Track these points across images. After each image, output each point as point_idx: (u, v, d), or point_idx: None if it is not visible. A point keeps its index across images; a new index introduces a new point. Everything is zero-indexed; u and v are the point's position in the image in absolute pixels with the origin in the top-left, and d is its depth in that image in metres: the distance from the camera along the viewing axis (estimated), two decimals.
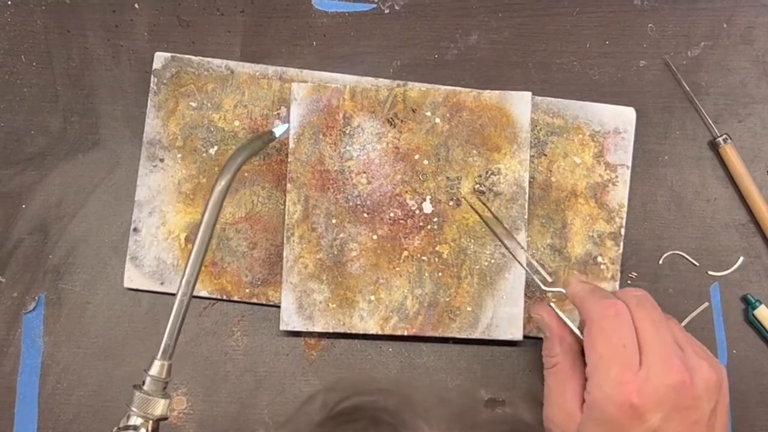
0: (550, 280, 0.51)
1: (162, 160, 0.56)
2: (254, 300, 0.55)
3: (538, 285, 0.51)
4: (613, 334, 0.45)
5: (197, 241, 0.45)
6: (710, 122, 0.56)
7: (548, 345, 0.50)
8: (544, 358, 0.50)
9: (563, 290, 0.50)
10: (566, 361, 0.48)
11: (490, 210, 0.54)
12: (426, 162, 0.55)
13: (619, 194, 0.55)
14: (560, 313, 0.50)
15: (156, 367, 0.44)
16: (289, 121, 0.55)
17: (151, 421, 0.43)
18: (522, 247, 0.53)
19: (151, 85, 0.56)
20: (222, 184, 0.45)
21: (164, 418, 0.43)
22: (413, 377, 0.55)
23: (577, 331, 0.49)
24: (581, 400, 0.46)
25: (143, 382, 0.43)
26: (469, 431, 0.32)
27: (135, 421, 0.42)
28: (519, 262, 0.52)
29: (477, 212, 0.53)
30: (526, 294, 0.54)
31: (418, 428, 0.32)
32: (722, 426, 0.46)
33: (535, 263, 0.52)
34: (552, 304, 0.50)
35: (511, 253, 0.53)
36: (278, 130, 0.52)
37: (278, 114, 0.56)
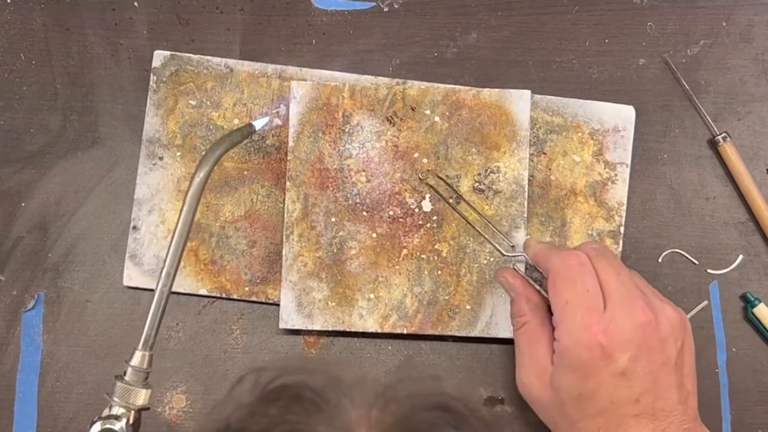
0: (512, 244, 0.53)
1: (161, 159, 0.56)
2: (253, 298, 0.55)
3: (501, 254, 0.53)
4: (577, 281, 0.46)
5: (176, 233, 0.45)
6: (709, 120, 0.56)
7: (516, 306, 0.51)
8: (513, 319, 0.52)
9: (524, 254, 0.52)
10: (535, 319, 0.50)
11: (449, 185, 0.54)
12: (425, 160, 0.55)
13: (619, 192, 0.55)
14: (523, 274, 0.52)
15: (137, 358, 0.44)
16: (288, 119, 0.55)
17: (132, 411, 0.43)
18: (486, 219, 0.53)
19: (151, 83, 0.56)
20: (201, 175, 0.46)
21: (146, 408, 0.44)
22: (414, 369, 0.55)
23: (542, 290, 0.50)
24: (552, 355, 0.47)
25: (124, 373, 0.44)
26: (391, 405, 0.32)
27: (117, 410, 0.43)
28: (481, 233, 0.53)
29: (439, 194, 0.54)
30: None
31: (341, 405, 0.32)
32: (690, 369, 0.47)
33: (498, 232, 0.53)
34: (516, 267, 0.52)
35: (469, 222, 0.53)
36: (258, 123, 0.52)
37: (277, 112, 0.56)
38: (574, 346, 0.45)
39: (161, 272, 0.44)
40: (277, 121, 0.55)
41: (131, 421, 0.43)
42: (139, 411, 0.43)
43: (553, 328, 0.47)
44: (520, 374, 0.49)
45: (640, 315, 0.45)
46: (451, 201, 0.54)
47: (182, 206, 0.45)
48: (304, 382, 0.34)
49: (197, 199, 0.45)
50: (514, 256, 0.53)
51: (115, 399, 0.43)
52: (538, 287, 0.51)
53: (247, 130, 0.50)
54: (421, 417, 0.33)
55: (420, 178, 0.54)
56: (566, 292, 0.46)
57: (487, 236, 0.53)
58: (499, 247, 0.53)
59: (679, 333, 0.46)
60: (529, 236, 0.54)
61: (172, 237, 0.45)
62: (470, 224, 0.53)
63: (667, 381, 0.45)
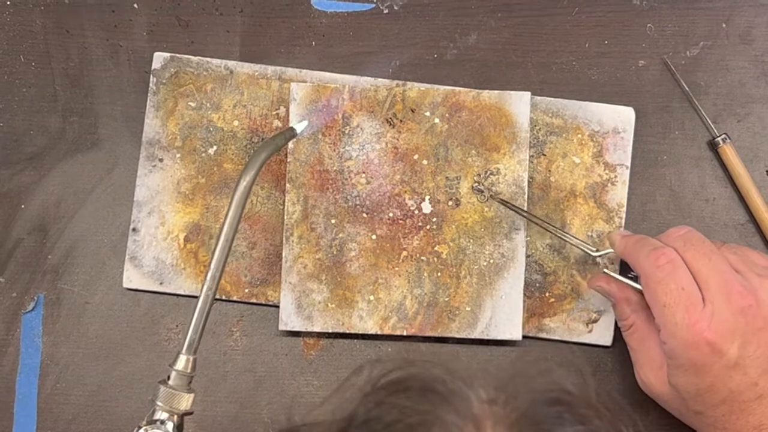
0: (595, 249, 0.52)
1: (161, 160, 0.56)
2: (253, 300, 0.55)
3: (589, 254, 0.52)
4: (670, 281, 0.45)
5: (222, 237, 0.45)
6: (709, 122, 0.56)
7: (618, 310, 0.51)
8: (619, 323, 0.51)
9: (611, 250, 0.51)
10: (640, 319, 0.49)
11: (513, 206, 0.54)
12: (425, 162, 0.55)
13: (618, 194, 0.55)
14: (617, 276, 0.51)
15: (181, 362, 0.44)
16: (289, 122, 0.55)
17: (176, 416, 0.43)
18: (561, 231, 0.53)
19: (150, 85, 0.56)
20: (247, 179, 0.46)
21: (189, 413, 0.43)
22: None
23: (638, 286, 0.49)
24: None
25: (168, 377, 0.43)
26: (512, 401, 0.32)
27: (161, 415, 0.42)
28: (566, 239, 0.52)
29: (510, 205, 0.54)
30: (525, 294, 0.54)
31: (467, 396, 0.32)
32: None
33: (574, 239, 0.52)
34: (606, 270, 0.51)
35: (550, 230, 0.53)
36: (299, 126, 0.53)
37: (277, 114, 0.56)
38: (682, 347, 0.45)
39: (206, 275, 0.44)
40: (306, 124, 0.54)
41: (176, 426, 0.42)
42: (183, 416, 0.43)
43: (658, 328, 0.47)
44: (639, 373, 0.49)
45: (739, 300, 0.44)
46: (512, 208, 0.53)
47: (227, 210, 0.45)
48: (427, 374, 0.34)
49: (243, 203, 0.45)
50: (603, 254, 0.52)
51: (159, 403, 0.42)
52: (635, 285, 0.49)
53: (289, 134, 0.51)
54: (545, 412, 0.33)
55: (491, 196, 0.54)
56: (662, 295, 0.45)
57: (569, 240, 0.52)
58: (586, 249, 0.52)
59: None
60: (615, 231, 0.53)
61: (217, 241, 0.45)
62: (552, 232, 0.53)
63: None
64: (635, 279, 0.50)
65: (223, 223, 0.45)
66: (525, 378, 0.35)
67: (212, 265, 0.45)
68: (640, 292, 0.49)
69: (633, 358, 0.50)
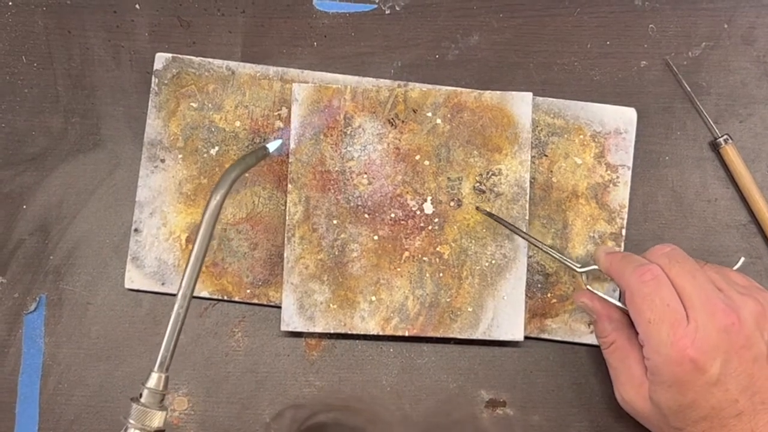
0: (578, 264, 0.52)
1: (163, 161, 0.56)
2: (255, 300, 0.55)
3: (574, 270, 0.52)
4: (655, 297, 0.46)
5: (193, 256, 0.44)
6: (711, 123, 0.56)
7: (599, 327, 0.51)
8: (599, 341, 0.51)
9: (596, 267, 0.51)
10: (621, 337, 0.50)
11: (500, 219, 0.53)
12: (427, 162, 0.55)
13: (620, 195, 0.55)
14: (601, 294, 0.51)
15: (153, 380, 0.43)
16: (288, 126, 0.55)
17: None
18: (546, 246, 0.53)
19: (152, 85, 0.56)
20: (217, 198, 0.45)
21: (161, 431, 0.43)
22: (412, 378, 0.55)
23: (621, 305, 0.49)
24: (645, 369, 0.47)
25: (140, 395, 0.43)
26: None
27: None
28: (551, 254, 0.52)
29: (500, 220, 0.53)
30: (527, 294, 0.54)
31: None
32: None
33: (557, 254, 0.52)
34: (589, 287, 0.51)
35: (537, 245, 0.52)
36: (272, 146, 0.52)
37: (279, 115, 0.56)
38: (665, 364, 0.45)
39: (177, 294, 0.44)
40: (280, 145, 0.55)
41: None
42: None
43: (640, 341, 0.47)
44: (619, 392, 0.50)
45: (723, 318, 0.45)
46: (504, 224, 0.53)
47: (198, 230, 0.45)
48: (344, 421, 0.34)
49: (213, 223, 0.45)
50: (588, 270, 0.52)
51: (131, 421, 0.42)
52: (618, 303, 0.50)
53: (262, 153, 0.51)
54: None
55: (476, 207, 0.54)
56: (647, 311, 0.46)
57: (555, 255, 0.52)
58: (571, 265, 0.52)
59: (764, 323, 0.46)
60: (602, 246, 0.53)
61: (188, 260, 0.44)
62: (539, 247, 0.52)
63: (762, 374, 0.45)
64: (618, 298, 0.50)
65: (194, 243, 0.45)
66: (448, 425, 0.35)
67: (183, 284, 0.44)
68: (622, 311, 0.50)
69: (613, 376, 0.50)
